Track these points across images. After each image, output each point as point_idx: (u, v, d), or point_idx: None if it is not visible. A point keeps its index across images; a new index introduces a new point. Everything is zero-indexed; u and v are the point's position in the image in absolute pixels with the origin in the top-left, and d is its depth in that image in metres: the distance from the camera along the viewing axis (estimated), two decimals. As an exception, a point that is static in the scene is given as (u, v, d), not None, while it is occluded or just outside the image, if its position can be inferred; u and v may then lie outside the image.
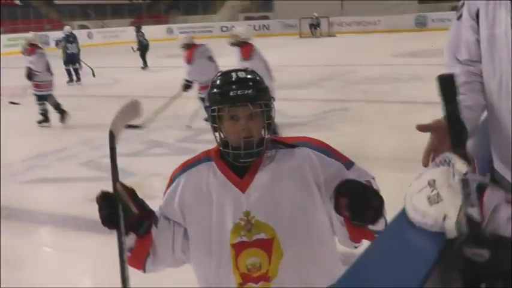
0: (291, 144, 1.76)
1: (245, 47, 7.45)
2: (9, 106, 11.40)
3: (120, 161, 5.81)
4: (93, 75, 14.75)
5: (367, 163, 5.97)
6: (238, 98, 1.66)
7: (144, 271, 1.75)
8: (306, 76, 14.28)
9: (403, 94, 10.83)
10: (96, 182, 5.98)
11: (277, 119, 8.18)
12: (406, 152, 6.19)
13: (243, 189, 1.69)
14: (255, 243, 1.66)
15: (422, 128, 1.47)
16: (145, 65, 17.95)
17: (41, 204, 5.54)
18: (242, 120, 1.67)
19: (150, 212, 1.74)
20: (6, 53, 23.50)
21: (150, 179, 5.94)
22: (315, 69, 15.62)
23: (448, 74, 1.17)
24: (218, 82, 1.72)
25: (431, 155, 1.38)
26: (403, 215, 1.15)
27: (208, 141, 6.58)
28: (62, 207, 5.29)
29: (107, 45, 30.07)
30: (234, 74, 1.71)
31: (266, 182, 1.69)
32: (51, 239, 4.88)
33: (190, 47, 8.35)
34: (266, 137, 1.71)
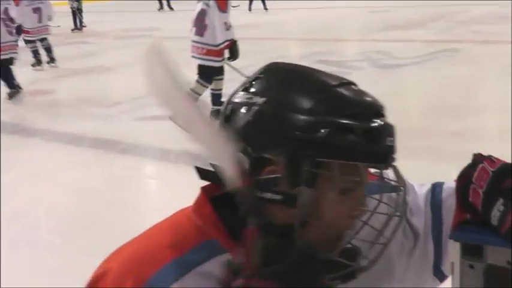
0: None
1: None
2: (117, 48, 11.84)
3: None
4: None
5: (474, 108, 5.79)
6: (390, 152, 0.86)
7: None
8: (413, 16, 13.82)
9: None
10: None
11: (384, 59, 8.06)
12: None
13: None
14: None
15: None
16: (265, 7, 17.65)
17: (153, 140, 5.80)
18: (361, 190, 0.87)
19: None
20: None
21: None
22: (422, 9, 15.06)
23: None
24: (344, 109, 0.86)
25: None
26: None
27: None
28: (173, 143, 5.52)
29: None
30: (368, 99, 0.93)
31: None
32: (162, 173, 5.12)
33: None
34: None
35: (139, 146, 5.69)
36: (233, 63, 6.08)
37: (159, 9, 21.32)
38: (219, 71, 5.92)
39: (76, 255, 3.52)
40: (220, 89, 6.04)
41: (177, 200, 4.26)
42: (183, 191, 4.86)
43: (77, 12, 15.76)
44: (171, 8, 21.18)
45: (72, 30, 15.89)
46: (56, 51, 10.90)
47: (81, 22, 15.85)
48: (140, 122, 6.40)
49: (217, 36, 5.67)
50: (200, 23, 5.82)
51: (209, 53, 5.78)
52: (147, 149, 5.59)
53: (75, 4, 15.67)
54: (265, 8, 17.11)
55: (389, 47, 9.64)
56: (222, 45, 5.69)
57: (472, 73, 7.76)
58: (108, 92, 8.43)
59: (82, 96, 7.94)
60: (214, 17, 5.63)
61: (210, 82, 5.96)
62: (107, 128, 6.25)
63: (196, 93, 5.89)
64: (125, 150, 5.52)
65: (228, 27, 5.67)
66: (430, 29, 11.86)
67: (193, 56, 5.96)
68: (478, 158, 0.84)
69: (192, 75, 8.43)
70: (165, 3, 21.49)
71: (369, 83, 7.44)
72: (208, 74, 5.89)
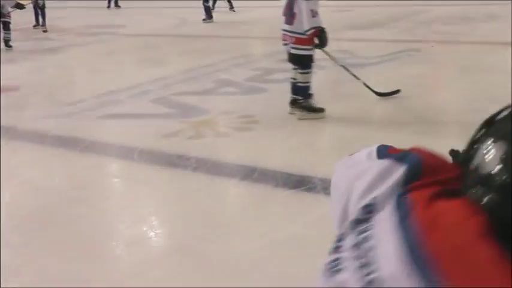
0: None
1: None
2: (80, 45, 11.73)
3: (192, 99, 6.06)
4: None
5: (436, 105, 5.93)
6: None
7: None
8: (376, 16, 13.98)
9: (477, 34, 10.49)
10: (168, 119, 6.17)
11: (347, 59, 8.13)
12: (478, 94, 6.10)
13: None
14: None
15: None
16: (231, 7, 17.35)
17: (114, 138, 5.76)
18: None
19: None
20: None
21: (222, 116, 6.08)
22: (384, 9, 15.25)
23: None
24: None
25: None
26: None
27: (277, 80, 6.66)
28: (135, 141, 5.49)
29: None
30: None
31: None
32: (125, 172, 5.09)
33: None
34: None
35: (102, 144, 5.64)
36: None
37: (108, 7, 21.18)
38: (310, 59, 5.89)
39: (37, 254, 3.48)
40: (308, 82, 5.98)
41: (139, 198, 4.27)
42: (145, 190, 4.89)
43: (38, 10, 15.49)
44: (117, 6, 21.16)
45: (34, 26, 15.64)
46: (19, 47, 10.76)
47: (43, 19, 15.52)
48: (103, 120, 6.35)
49: (303, 23, 5.66)
50: (289, 12, 5.83)
51: (298, 41, 5.77)
52: (109, 147, 5.55)
53: (41, 2, 15.39)
54: (232, 8, 17.04)
55: (352, 46, 9.72)
56: (309, 33, 5.67)
57: (432, 73, 7.91)
58: (70, 89, 8.33)
59: (44, 94, 7.84)
60: (301, 5, 5.63)
61: (310, 67, 5.91)
62: (69, 126, 6.18)
63: (304, 83, 5.89)
64: (87, 148, 5.47)
65: (314, 14, 5.64)
66: (392, 28, 12.02)
67: (284, 44, 5.97)
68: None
69: (168, 72, 8.45)
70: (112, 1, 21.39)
71: (333, 81, 7.53)
72: (302, 62, 5.87)
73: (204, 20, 14.63)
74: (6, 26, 11.92)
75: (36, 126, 6.24)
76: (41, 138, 5.82)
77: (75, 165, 5.12)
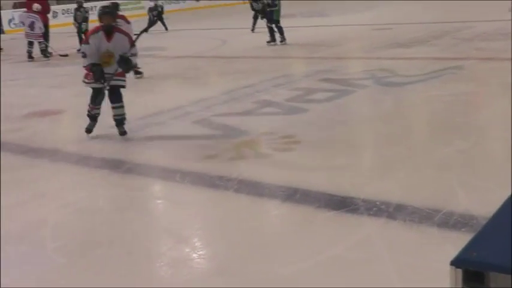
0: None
1: None
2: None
3: (233, 120, 6.10)
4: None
5: (480, 124, 5.79)
6: None
7: None
8: (417, 34, 13.87)
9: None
10: (209, 140, 6.22)
11: (388, 77, 8.08)
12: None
13: None
14: None
15: None
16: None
17: (157, 159, 5.82)
18: None
19: None
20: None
21: (263, 137, 6.10)
22: (426, 26, 15.12)
23: None
24: None
25: None
26: None
27: (318, 100, 6.65)
28: (177, 163, 5.53)
29: (213, 8, 30.53)
30: None
31: None
32: (168, 193, 5.13)
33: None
34: None
35: (145, 165, 5.70)
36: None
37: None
38: None
39: (81, 275, 3.52)
40: None
41: (182, 220, 4.28)
42: (188, 211, 4.90)
43: (82, 35, 15.79)
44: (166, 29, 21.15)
45: (78, 51, 15.95)
46: (68, 71, 11.00)
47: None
48: (146, 141, 6.43)
49: None
50: None
51: None
52: (152, 168, 5.61)
53: (84, 25, 15.75)
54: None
55: (393, 64, 9.68)
56: None
57: (475, 90, 7.78)
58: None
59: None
60: None
61: None
62: (113, 148, 6.28)
63: None
64: (130, 169, 5.54)
65: None
66: (434, 46, 11.90)
67: None
68: None
69: (209, 94, 8.54)
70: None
71: (373, 101, 7.49)
72: None
73: (268, 42, 14.31)
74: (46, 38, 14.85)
75: (80, 148, 6.35)
76: (85, 160, 5.92)
77: (118, 187, 5.19)
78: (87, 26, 15.77)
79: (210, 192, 4.82)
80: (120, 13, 9.64)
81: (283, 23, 14.19)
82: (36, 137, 7.02)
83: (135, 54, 6.44)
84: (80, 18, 15.91)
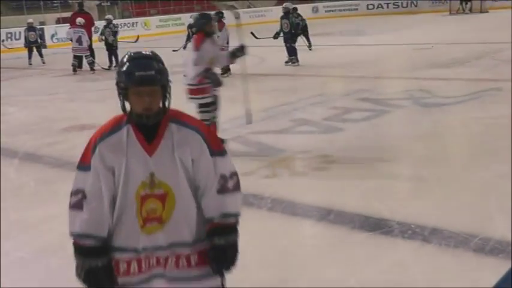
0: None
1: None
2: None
3: (269, 138, 6.10)
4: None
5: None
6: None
7: None
8: (457, 54, 13.73)
9: None
10: (244, 158, 6.23)
11: (426, 98, 7.97)
12: None
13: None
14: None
15: None
16: (309, 45, 16.90)
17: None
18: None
19: None
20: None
21: (298, 155, 6.09)
22: (466, 47, 14.96)
23: None
24: None
25: None
26: None
27: (355, 120, 6.59)
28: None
29: (252, 25, 30.73)
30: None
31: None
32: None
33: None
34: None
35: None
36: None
37: (184, 48, 18.94)
38: None
39: None
40: None
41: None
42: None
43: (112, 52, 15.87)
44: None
45: (109, 67, 15.85)
46: (108, 85, 11.20)
47: (116, 59, 15.51)
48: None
49: None
50: None
51: None
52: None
53: (112, 40, 15.88)
54: (309, 46, 16.89)
55: (432, 85, 9.59)
56: None
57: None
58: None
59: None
60: None
61: None
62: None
63: None
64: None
65: None
66: (473, 67, 11.76)
67: None
68: None
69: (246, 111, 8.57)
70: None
71: (411, 122, 7.43)
72: None
73: (286, 62, 14.48)
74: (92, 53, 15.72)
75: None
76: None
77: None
78: (116, 42, 15.96)
79: (243, 210, 4.81)
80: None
81: (322, 41, 14.20)
82: (73, 150, 7.12)
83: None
84: (110, 35, 15.89)
